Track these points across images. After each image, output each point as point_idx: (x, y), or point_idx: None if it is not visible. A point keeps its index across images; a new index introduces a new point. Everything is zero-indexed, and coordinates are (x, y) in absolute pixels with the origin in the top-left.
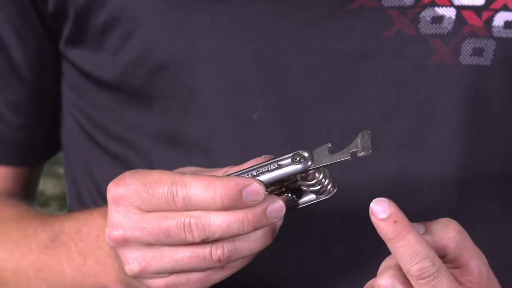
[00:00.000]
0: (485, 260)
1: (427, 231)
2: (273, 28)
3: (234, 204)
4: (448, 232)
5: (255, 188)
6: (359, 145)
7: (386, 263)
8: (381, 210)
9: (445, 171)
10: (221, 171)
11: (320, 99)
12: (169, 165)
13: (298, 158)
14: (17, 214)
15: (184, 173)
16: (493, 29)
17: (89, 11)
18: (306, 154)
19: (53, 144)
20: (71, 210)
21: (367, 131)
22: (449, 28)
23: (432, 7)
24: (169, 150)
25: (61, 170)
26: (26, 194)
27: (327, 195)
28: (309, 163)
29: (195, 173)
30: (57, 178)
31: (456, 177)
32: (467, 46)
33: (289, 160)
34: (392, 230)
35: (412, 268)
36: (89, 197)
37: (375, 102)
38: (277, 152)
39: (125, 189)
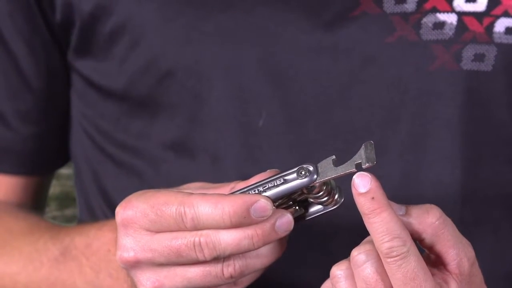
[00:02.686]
0: (471, 254)
1: (407, 213)
2: (278, 34)
3: (243, 221)
4: (428, 217)
5: (263, 205)
6: (363, 156)
7: (369, 237)
8: (361, 184)
9: (447, 176)
10: (227, 187)
11: (324, 105)
12: (176, 172)
13: (303, 172)
14: (27, 227)
15: (190, 193)
16: (494, 35)
17: (95, 20)
18: (311, 168)
19: (62, 154)
20: (81, 220)
21: (370, 142)
22: (450, 34)
23: (433, 13)
24: (176, 157)
25: (61, 171)
26: (36, 204)
27: (335, 205)
28: (315, 176)
29: (201, 189)
30: (57, 178)
31: (458, 181)
32: (468, 52)
33: (295, 175)
34: (368, 206)
35: (382, 245)
36: (98, 206)
37: (378, 108)
38: (282, 158)
39: (133, 211)
